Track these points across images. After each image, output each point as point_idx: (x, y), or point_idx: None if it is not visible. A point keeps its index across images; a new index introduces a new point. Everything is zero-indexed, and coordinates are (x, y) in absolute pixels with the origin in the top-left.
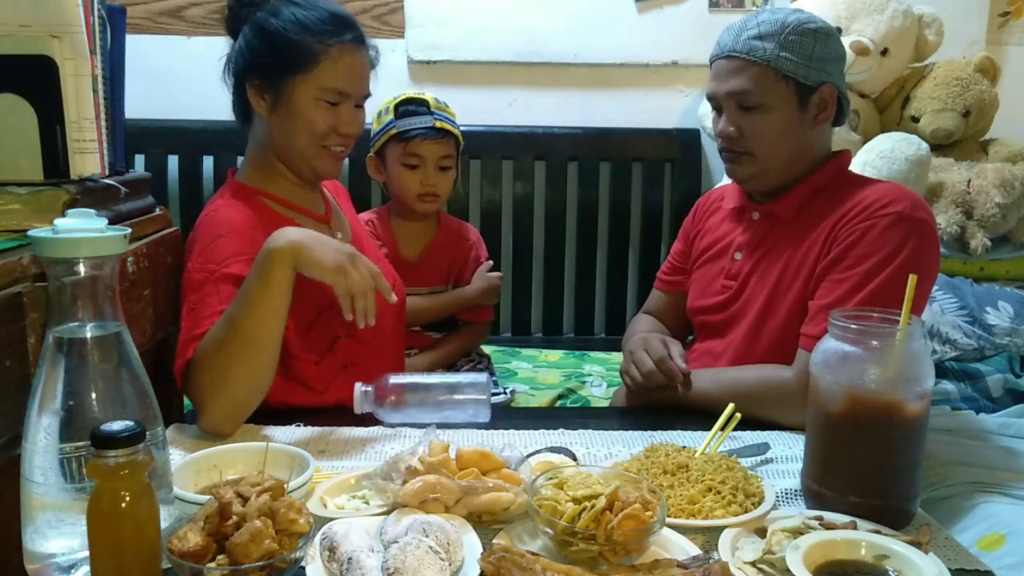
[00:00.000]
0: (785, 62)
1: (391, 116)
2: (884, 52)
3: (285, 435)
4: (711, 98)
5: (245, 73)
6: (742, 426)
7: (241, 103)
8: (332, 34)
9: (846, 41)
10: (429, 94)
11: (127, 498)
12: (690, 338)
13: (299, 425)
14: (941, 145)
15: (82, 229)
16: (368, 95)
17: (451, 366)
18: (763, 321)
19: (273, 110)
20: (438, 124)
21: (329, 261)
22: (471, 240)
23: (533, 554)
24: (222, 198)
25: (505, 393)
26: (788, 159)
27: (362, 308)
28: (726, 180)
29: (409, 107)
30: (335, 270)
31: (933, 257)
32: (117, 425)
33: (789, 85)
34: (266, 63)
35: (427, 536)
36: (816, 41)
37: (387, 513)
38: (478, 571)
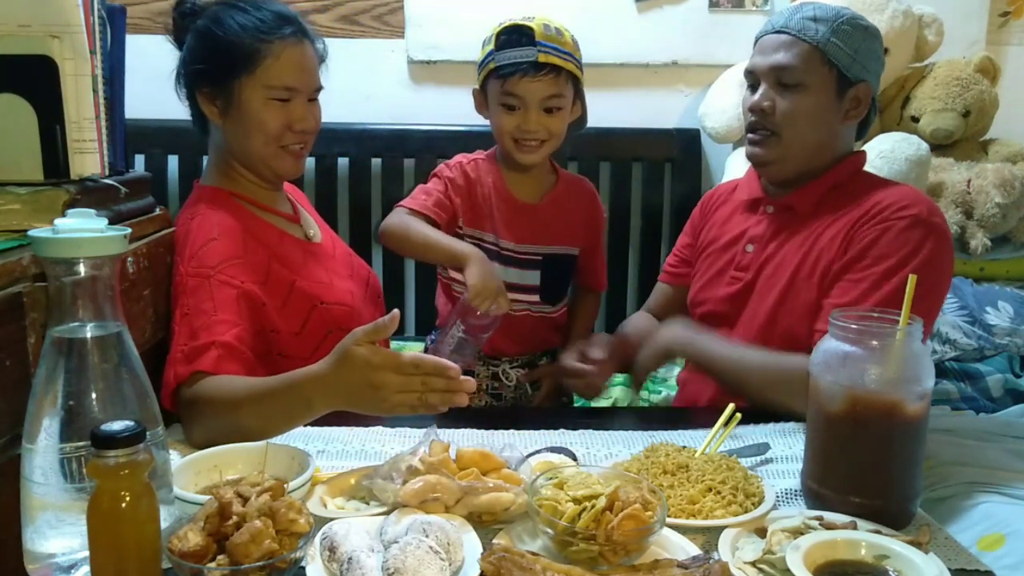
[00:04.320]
0: (833, 48)
1: (492, 47)
2: (884, 52)
3: (285, 435)
4: (750, 73)
5: (193, 82)
6: (742, 425)
7: (196, 113)
8: (272, 31)
9: None
10: (540, 19)
11: (127, 498)
12: None
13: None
14: (941, 145)
15: (82, 229)
16: (319, 88)
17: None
18: (775, 317)
19: (225, 115)
20: (542, 58)
21: None
22: (588, 190)
23: (533, 554)
24: (202, 203)
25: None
26: (812, 147)
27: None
28: (727, 179)
29: (512, 36)
30: None
31: (948, 263)
32: (117, 425)
33: (831, 72)
34: (211, 69)
35: (427, 536)
36: (865, 39)
37: (387, 513)
38: (478, 571)
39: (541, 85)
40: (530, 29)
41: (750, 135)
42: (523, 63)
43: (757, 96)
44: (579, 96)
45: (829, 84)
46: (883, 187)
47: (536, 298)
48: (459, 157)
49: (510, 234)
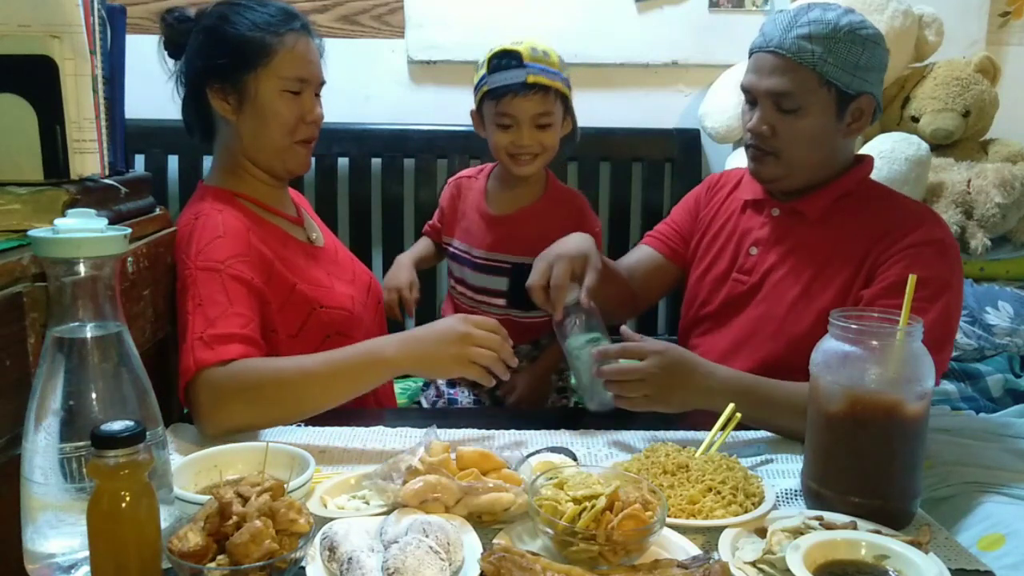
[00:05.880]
0: (831, 69)
1: (484, 71)
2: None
3: (285, 435)
4: (747, 90)
5: (204, 80)
6: (742, 426)
7: (200, 114)
8: (283, 24)
9: None
10: (527, 42)
11: (127, 498)
12: (672, 337)
13: (299, 425)
14: (941, 145)
15: (82, 229)
16: (323, 82)
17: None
18: (786, 325)
19: (239, 110)
20: (531, 79)
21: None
22: (576, 205)
23: (533, 554)
24: (206, 202)
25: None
26: (815, 165)
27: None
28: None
29: (503, 60)
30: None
31: (963, 280)
32: (117, 425)
33: (831, 92)
34: (224, 64)
35: (427, 536)
36: (865, 50)
37: (387, 513)
38: (478, 571)
39: (531, 103)
40: (519, 53)
41: (750, 151)
42: (514, 84)
43: (755, 120)
44: (569, 112)
45: (829, 105)
46: (895, 203)
47: (503, 302)
48: (462, 172)
49: (480, 242)
